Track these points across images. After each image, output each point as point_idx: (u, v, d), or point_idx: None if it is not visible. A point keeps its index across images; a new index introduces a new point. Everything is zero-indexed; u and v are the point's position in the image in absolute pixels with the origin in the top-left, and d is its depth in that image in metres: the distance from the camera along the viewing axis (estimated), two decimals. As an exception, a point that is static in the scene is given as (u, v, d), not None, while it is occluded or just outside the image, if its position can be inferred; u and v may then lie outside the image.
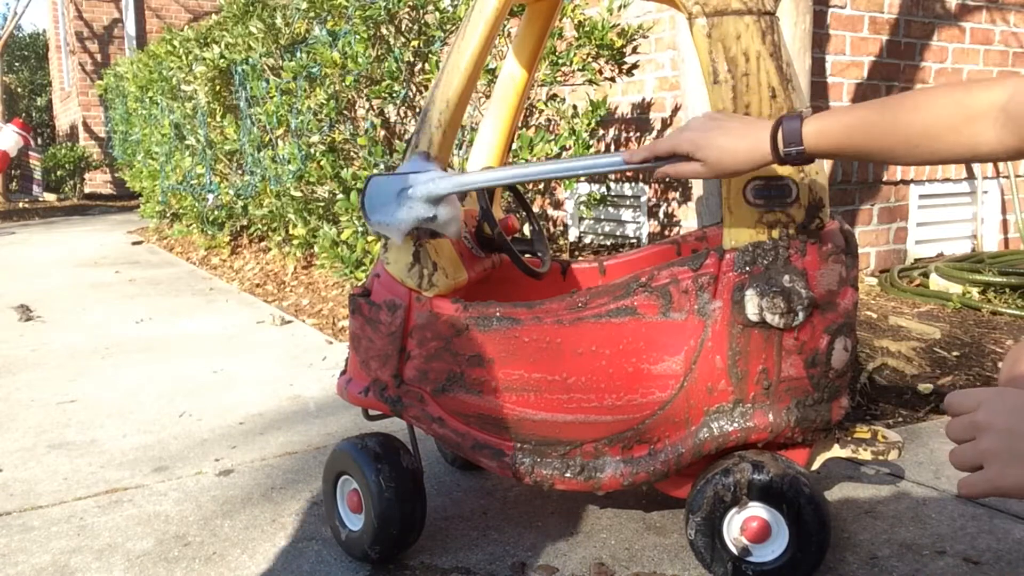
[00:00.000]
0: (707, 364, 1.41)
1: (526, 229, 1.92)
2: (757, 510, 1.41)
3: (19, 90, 16.42)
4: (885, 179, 3.80)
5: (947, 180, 4.03)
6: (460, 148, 3.44)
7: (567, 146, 3.32)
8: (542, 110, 3.61)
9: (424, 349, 1.55)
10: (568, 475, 1.50)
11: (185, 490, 1.99)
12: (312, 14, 3.81)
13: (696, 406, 1.43)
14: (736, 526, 1.43)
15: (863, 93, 3.68)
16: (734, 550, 1.43)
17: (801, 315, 1.35)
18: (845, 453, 1.55)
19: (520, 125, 3.65)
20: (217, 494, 1.96)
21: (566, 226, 4.64)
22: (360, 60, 3.41)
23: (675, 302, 1.42)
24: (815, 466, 1.55)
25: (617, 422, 1.46)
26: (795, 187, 1.37)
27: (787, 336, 1.37)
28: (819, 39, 3.49)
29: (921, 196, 3.96)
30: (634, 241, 4.24)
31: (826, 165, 3.56)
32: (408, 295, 1.55)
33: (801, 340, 1.38)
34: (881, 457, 1.54)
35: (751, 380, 1.39)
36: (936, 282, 3.48)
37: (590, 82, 3.42)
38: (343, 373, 1.71)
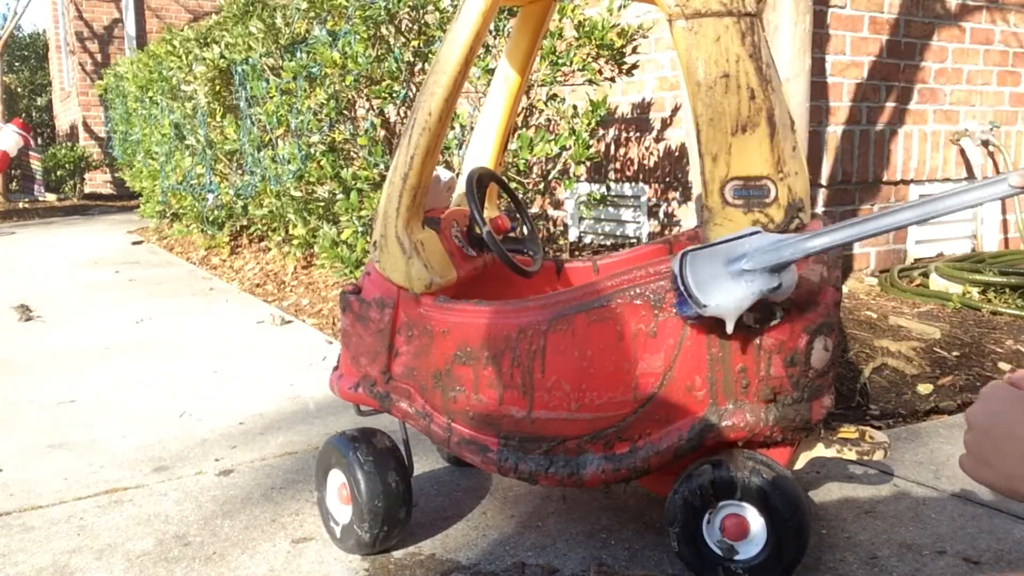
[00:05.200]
0: (686, 363, 1.41)
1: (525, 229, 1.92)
2: (730, 508, 1.42)
3: (19, 90, 16.41)
4: (885, 179, 3.80)
5: (947, 180, 4.03)
6: (460, 148, 3.44)
7: (567, 146, 3.32)
8: (542, 110, 3.61)
9: (411, 346, 1.56)
10: (551, 471, 1.50)
11: (185, 490, 1.99)
12: (312, 14, 3.81)
13: (676, 404, 1.44)
14: (716, 528, 1.44)
15: (863, 93, 3.68)
16: (720, 552, 1.43)
17: (779, 315, 1.36)
18: (830, 453, 1.55)
19: (520, 125, 3.65)
20: (217, 494, 1.96)
21: (566, 226, 4.64)
22: (360, 60, 3.41)
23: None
24: (799, 465, 1.56)
25: (598, 419, 1.46)
26: (774, 187, 1.37)
27: (765, 335, 1.37)
28: (819, 39, 3.49)
29: (921, 196, 3.95)
30: (634, 241, 4.24)
31: (826, 165, 3.56)
32: (397, 293, 1.57)
33: (780, 339, 1.38)
34: (866, 457, 1.55)
35: (730, 379, 1.40)
36: (936, 282, 3.47)
37: (590, 82, 3.42)
38: (335, 369, 1.74)
